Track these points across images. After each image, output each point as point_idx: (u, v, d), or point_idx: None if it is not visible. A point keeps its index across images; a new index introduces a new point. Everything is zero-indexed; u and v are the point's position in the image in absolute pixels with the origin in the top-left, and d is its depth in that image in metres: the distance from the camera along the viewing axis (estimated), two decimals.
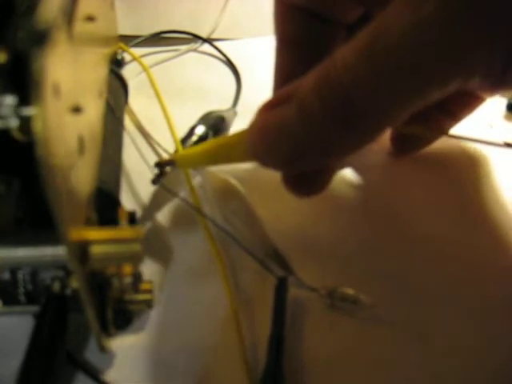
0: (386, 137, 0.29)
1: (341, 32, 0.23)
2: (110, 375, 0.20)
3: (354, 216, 0.26)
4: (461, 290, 0.23)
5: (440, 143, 0.28)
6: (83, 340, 0.21)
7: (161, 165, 0.25)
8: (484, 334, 0.21)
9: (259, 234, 0.24)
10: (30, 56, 0.12)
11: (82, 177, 0.18)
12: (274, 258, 0.23)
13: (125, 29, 0.34)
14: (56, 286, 0.19)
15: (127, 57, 0.34)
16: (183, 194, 0.26)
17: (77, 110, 0.17)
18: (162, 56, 0.36)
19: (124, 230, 0.19)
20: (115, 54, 0.32)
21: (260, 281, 0.23)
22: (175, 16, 0.39)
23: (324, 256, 0.24)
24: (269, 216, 0.24)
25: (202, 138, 0.27)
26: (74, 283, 0.18)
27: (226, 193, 0.25)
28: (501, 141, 0.22)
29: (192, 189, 0.26)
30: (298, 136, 0.18)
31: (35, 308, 0.19)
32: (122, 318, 0.21)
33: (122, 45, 0.33)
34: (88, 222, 0.18)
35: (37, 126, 0.13)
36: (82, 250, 0.17)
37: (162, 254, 0.24)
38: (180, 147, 0.26)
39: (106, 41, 0.27)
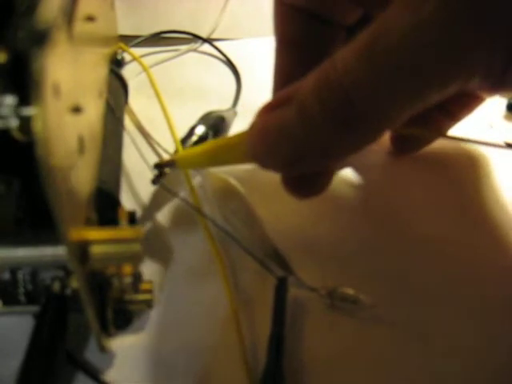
0: (385, 137, 0.29)
1: (340, 33, 0.23)
2: (109, 375, 0.20)
3: (353, 216, 0.26)
4: (461, 289, 0.23)
5: (440, 143, 0.28)
6: (83, 340, 0.21)
7: (160, 166, 0.25)
8: (484, 334, 0.21)
9: (259, 234, 0.24)
10: (30, 56, 0.12)
11: (82, 177, 0.18)
12: (274, 258, 0.23)
13: (125, 29, 0.34)
14: (56, 286, 0.19)
15: (127, 57, 0.34)
16: (183, 194, 0.26)
17: (77, 109, 0.17)
18: (161, 56, 0.36)
19: (124, 230, 0.19)
20: (115, 53, 0.32)
21: (260, 281, 0.23)
22: (175, 16, 0.39)
23: (324, 256, 0.24)
24: (269, 216, 0.24)
25: (202, 138, 0.27)
26: (74, 283, 0.18)
27: (226, 193, 0.25)
28: (501, 141, 0.22)
29: (192, 189, 0.26)
30: (297, 138, 0.18)
31: (35, 308, 0.19)
32: (121, 317, 0.21)
33: (121, 45, 0.33)
34: (88, 222, 0.18)
35: (37, 126, 0.13)
36: (81, 250, 0.17)
37: (162, 254, 0.24)
38: (180, 147, 0.26)
39: (105, 41, 0.27)
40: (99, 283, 0.18)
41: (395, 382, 0.21)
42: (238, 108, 0.32)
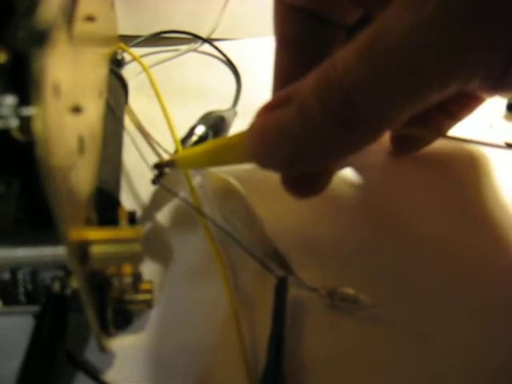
0: (385, 137, 0.29)
1: (340, 33, 0.23)
2: (109, 375, 0.20)
3: (353, 216, 0.26)
4: (461, 289, 0.23)
5: (440, 143, 0.28)
6: (83, 340, 0.21)
7: (160, 166, 0.25)
8: (484, 334, 0.21)
9: (259, 233, 0.24)
10: (30, 56, 0.12)
11: (82, 177, 0.18)
12: (274, 258, 0.23)
13: (125, 29, 0.34)
14: (56, 286, 0.19)
15: (127, 57, 0.34)
16: (183, 194, 0.26)
17: (77, 109, 0.17)
18: (161, 56, 0.36)
19: (124, 230, 0.19)
20: (115, 53, 0.32)
21: (260, 281, 0.23)
22: (175, 16, 0.39)
23: (324, 256, 0.24)
24: (269, 216, 0.24)
25: (202, 138, 0.27)
26: (74, 283, 0.18)
27: (226, 193, 0.25)
28: (501, 141, 0.22)
29: (192, 189, 0.26)
30: (297, 138, 0.18)
31: (35, 308, 0.19)
32: (122, 317, 0.21)
33: (121, 45, 0.33)
34: (88, 222, 0.18)
35: (37, 126, 0.13)
36: (82, 250, 0.17)
37: (162, 254, 0.24)
38: (180, 147, 0.26)
39: (106, 41, 0.27)
40: (99, 283, 0.18)
41: (395, 381, 0.21)
42: (238, 108, 0.32)
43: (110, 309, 0.19)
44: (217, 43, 0.37)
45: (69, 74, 0.16)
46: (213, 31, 0.38)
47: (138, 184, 0.27)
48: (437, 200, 0.27)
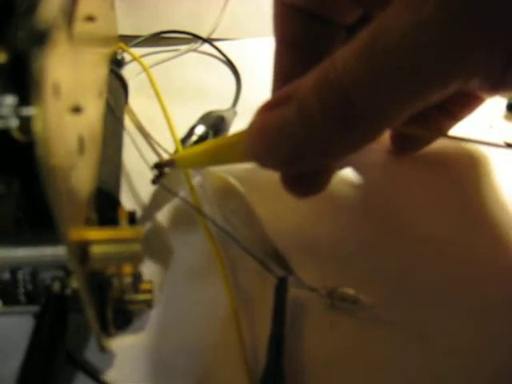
0: (386, 136, 0.29)
1: (340, 33, 0.23)
2: (109, 375, 0.20)
3: (353, 216, 0.26)
4: (461, 289, 0.23)
5: (440, 143, 0.28)
6: (83, 340, 0.21)
7: (159, 166, 0.25)
8: (484, 334, 0.21)
9: (259, 233, 0.24)
10: (30, 56, 0.12)
11: (82, 177, 0.18)
12: (274, 258, 0.23)
13: (125, 29, 0.34)
14: (56, 286, 0.19)
15: (127, 57, 0.34)
16: (183, 193, 0.26)
17: (77, 109, 0.17)
18: (161, 56, 0.36)
19: (124, 230, 0.19)
20: (115, 53, 0.32)
21: (260, 281, 0.23)
22: (175, 16, 0.39)
23: (324, 256, 0.24)
24: (269, 216, 0.24)
25: (202, 138, 0.27)
26: (74, 283, 0.18)
27: (226, 193, 0.25)
28: (501, 141, 0.22)
29: (192, 188, 0.26)
30: (297, 136, 0.18)
31: (35, 308, 0.19)
32: (122, 317, 0.21)
33: (121, 45, 0.33)
34: (88, 222, 0.18)
35: (37, 126, 0.13)
36: (82, 250, 0.17)
37: (162, 254, 0.24)
38: (180, 147, 0.26)
39: (106, 41, 0.27)
40: (99, 283, 0.18)
41: (395, 381, 0.21)
42: (238, 108, 0.32)
43: (110, 309, 0.19)
44: (217, 43, 0.37)
45: (69, 74, 0.16)
46: (213, 31, 0.38)
47: (137, 184, 0.27)
48: (437, 200, 0.27)
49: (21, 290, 0.19)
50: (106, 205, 0.21)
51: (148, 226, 0.26)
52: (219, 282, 0.23)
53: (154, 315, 0.22)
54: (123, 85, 0.29)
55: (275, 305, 0.21)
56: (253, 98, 0.22)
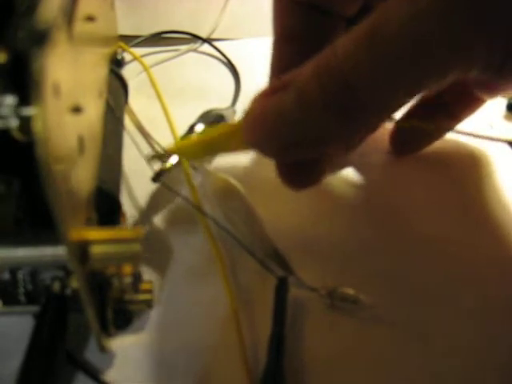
0: (386, 137, 0.29)
1: (340, 24, 0.22)
2: (109, 375, 0.20)
3: (354, 216, 0.26)
4: (461, 289, 0.23)
5: (441, 143, 0.28)
6: (83, 340, 0.21)
7: (156, 157, 0.25)
8: (484, 334, 0.21)
9: (259, 233, 0.24)
10: (30, 56, 0.12)
11: (82, 177, 0.18)
12: (274, 258, 0.23)
13: (125, 29, 0.34)
14: (56, 286, 0.19)
15: (127, 57, 0.34)
16: (183, 193, 0.26)
17: (77, 110, 0.17)
18: (161, 56, 0.36)
19: (124, 230, 0.19)
20: (115, 53, 0.32)
21: (260, 281, 0.23)
22: (175, 16, 0.39)
23: (324, 256, 0.24)
24: (269, 216, 0.24)
25: None
26: (74, 283, 0.18)
27: (227, 193, 0.25)
28: (504, 138, 0.22)
29: (192, 188, 0.26)
30: (295, 123, 0.18)
31: (35, 308, 0.19)
32: (121, 317, 0.21)
33: (122, 44, 0.33)
34: (88, 222, 0.18)
35: (37, 126, 0.13)
36: (82, 250, 0.17)
37: (162, 254, 0.24)
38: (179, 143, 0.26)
39: (106, 41, 0.27)
40: (99, 283, 0.18)
41: (395, 381, 0.21)
42: (237, 107, 0.32)
43: (110, 309, 0.19)
44: (216, 43, 0.37)
45: (69, 74, 0.16)
46: (213, 31, 0.38)
47: (138, 184, 0.27)
48: (437, 200, 0.27)
49: (21, 289, 0.19)
50: (105, 205, 0.21)
51: (148, 225, 0.26)
52: (219, 282, 0.23)
53: (154, 315, 0.22)
54: (123, 85, 0.29)
55: (275, 305, 0.21)
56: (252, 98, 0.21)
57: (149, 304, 0.21)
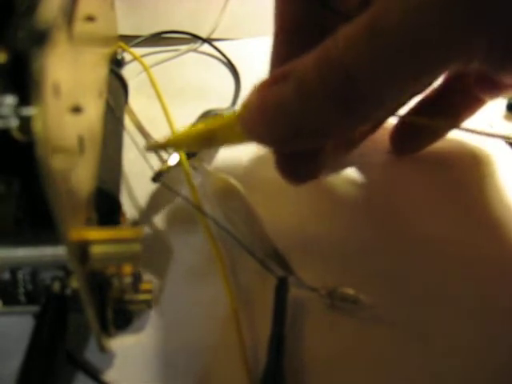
0: (386, 136, 0.29)
1: (341, 17, 0.22)
2: (109, 375, 0.20)
3: (354, 216, 0.26)
4: (461, 289, 0.23)
5: (442, 143, 0.28)
6: (83, 340, 0.21)
7: (153, 150, 0.25)
8: (484, 334, 0.21)
9: (259, 233, 0.24)
10: (30, 56, 0.12)
11: (82, 177, 0.18)
12: (274, 258, 0.23)
13: (125, 29, 0.34)
14: (56, 286, 0.19)
15: (127, 57, 0.34)
16: (183, 193, 0.26)
17: (77, 110, 0.17)
18: (161, 56, 0.36)
19: (124, 230, 0.19)
20: (115, 53, 0.32)
21: (260, 281, 0.23)
22: (175, 16, 0.39)
23: (324, 256, 0.24)
24: (269, 216, 0.24)
25: None
26: (74, 283, 0.18)
27: (227, 193, 0.25)
28: (501, 141, 0.22)
29: (192, 188, 0.26)
30: (295, 113, 0.18)
31: (35, 308, 0.19)
32: (122, 317, 0.21)
33: (122, 44, 0.33)
34: (88, 222, 0.18)
35: (37, 126, 0.13)
36: (82, 250, 0.17)
37: (162, 254, 0.24)
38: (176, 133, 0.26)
39: (106, 41, 0.27)
40: (99, 283, 0.18)
41: (395, 381, 0.21)
42: (237, 107, 0.32)
43: (110, 309, 0.19)
44: (216, 43, 0.37)
45: (69, 74, 0.16)
46: (213, 31, 0.38)
47: (138, 184, 0.27)
48: (438, 200, 0.27)
49: (21, 289, 0.19)
50: (105, 205, 0.21)
51: (148, 225, 0.26)
52: (219, 282, 0.23)
53: (153, 315, 0.22)
54: (123, 85, 0.29)
55: (275, 305, 0.21)
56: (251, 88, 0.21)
57: (149, 304, 0.21)
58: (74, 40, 0.16)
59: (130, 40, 0.36)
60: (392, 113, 0.26)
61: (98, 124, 0.22)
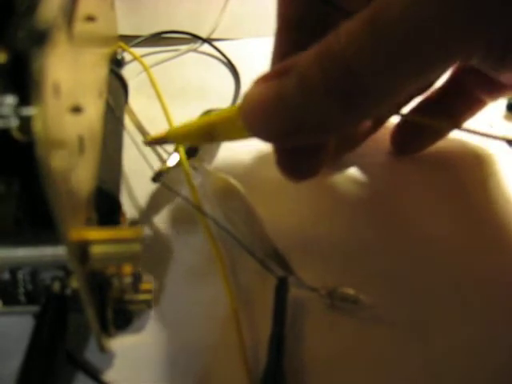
0: (387, 137, 0.29)
1: (343, 14, 0.22)
2: (109, 375, 0.20)
3: (354, 216, 0.26)
4: (461, 290, 0.23)
5: (442, 143, 0.28)
6: (83, 340, 0.21)
7: (153, 143, 0.24)
8: (484, 334, 0.21)
9: (259, 233, 0.24)
10: (30, 56, 0.12)
11: (82, 176, 0.18)
12: (274, 258, 0.23)
13: (125, 29, 0.34)
14: (56, 286, 0.19)
15: (127, 57, 0.34)
16: (183, 193, 0.26)
17: (77, 109, 0.17)
18: (161, 56, 0.36)
19: (124, 230, 0.19)
20: (115, 53, 0.32)
21: (260, 281, 0.23)
22: (175, 16, 0.39)
23: (324, 256, 0.24)
24: (269, 216, 0.24)
25: None
26: (74, 283, 0.18)
27: (227, 193, 0.25)
28: (503, 140, 0.22)
29: (192, 188, 0.26)
30: (296, 108, 0.18)
31: (35, 308, 0.19)
32: (121, 317, 0.21)
33: (122, 44, 0.33)
34: (88, 222, 0.18)
35: (37, 126, 0.13)
36: (82, 250, 0.17)
37: (162, 254, 0.24)
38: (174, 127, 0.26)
39: (105, 41, 0.27)
40: (99, 283, 0.18)
41: (395, 381, 0.21)
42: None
43: (110, 309, 0.19)
44: (216, 43, 0.37)
45: (69, 74, 0.16)
46: (213, 31, 0.38)
47: (138, 184, 0.27)
48: (438, 200, 0.27)
49: (21, 289, 0.19)
50: (106, 205, 0.21)
51: (148, 225, 0.26)
52: (219, 282, 0.23)
53: (154, 315, 0.22)
54: (123, 85, 0.29)
55: (275, 305, 0.21)
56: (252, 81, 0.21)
57: (149, 304, 0.21)
58: (74, 40, 0.16)
59: (130, 40, 0.36)
60: (393, 112, 0.26)
61: (98, 124, 0.22)
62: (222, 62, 0.36)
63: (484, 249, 0.25)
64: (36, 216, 0.18)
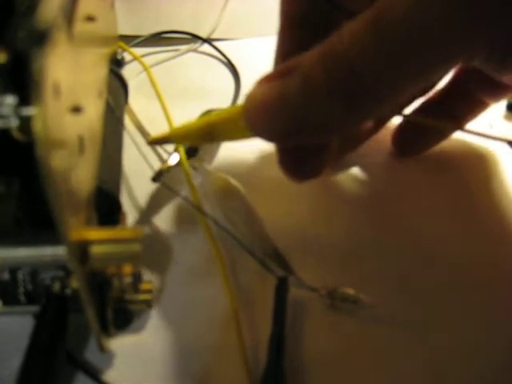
0: (388, 137, 0.29)
1: (346, 13, 0.22)
2: (109, 375, 0.20)
3: (354, 216, 0.26)
4: (462, 289, 0.23)
5: (443, 144, 0.28)
6: (83, 340, 0.21)
7: (155, 142, 0.24)
8: (484, 334, 0.21)
9: (259, 233, 0.24)
10: (30, 56, 0.12)
11: (82, 176, 0.18)
12: (274, 258, 0.23)
13: (125, 29, 0.34)
14: (56, 286, 0.19)
15: (127, 57, 0.34)
16: (183, 193, 0.26)
17: (77, 110, 0.17)
18: (161, 56, 0.36)
19: (124, 230, 0.19)
20: (115, 53, 0.32)
21: (260, 281, 0.23)
22: (175, 16, 0.39)
23: (324, 256, 0.24)
24: (269, 216, 0.24)
25: None
26: (74, 283, 0.18)
27: (227, 193, 0.25)
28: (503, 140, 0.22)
29: (192, 188, 0.26)
30: (299, 108, 0.18)
31: (35, 308, 0.19)
32: (121, 317, 0.21)
33: (122, 44, 0.33)
34: (88, 222, 0.18)
35: (37, 126, 0.13)
36: (82, 250, 0.17)
37: (162, 254, 0.24)
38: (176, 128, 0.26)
39: (105, 41, 0.27)
40: (99, 283, 0.18)
41: (395, 381, 0.21)
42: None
43: (110, 309, 0.19)
44: (217, 43, 0.37)
45: (69, 73, 0.16)
46: (213, 31, 0.38)
47: (138, 184, 0.27)
48: (438, 200, 0.27)
49: (21, 289, 0.19)
50: (106, 205, 0.21)
51: (148, 225, 0.26)
52: (219, 282, 0.23)
53: (154, 315, 0.22)
54: (123, 85, 0.29)
55: (275, 305, 0.21)
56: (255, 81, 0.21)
57: (149, 304, 0.21)
58: (74, 40, 0.16)
59: (130, 40, 0.36)
60: (395, 113, 0.26)
61: (98, 124, 0.22)
62: (222, 62, 0.36)
63: (485, 249, 0.25)
64: (36, 216, 0.18)
